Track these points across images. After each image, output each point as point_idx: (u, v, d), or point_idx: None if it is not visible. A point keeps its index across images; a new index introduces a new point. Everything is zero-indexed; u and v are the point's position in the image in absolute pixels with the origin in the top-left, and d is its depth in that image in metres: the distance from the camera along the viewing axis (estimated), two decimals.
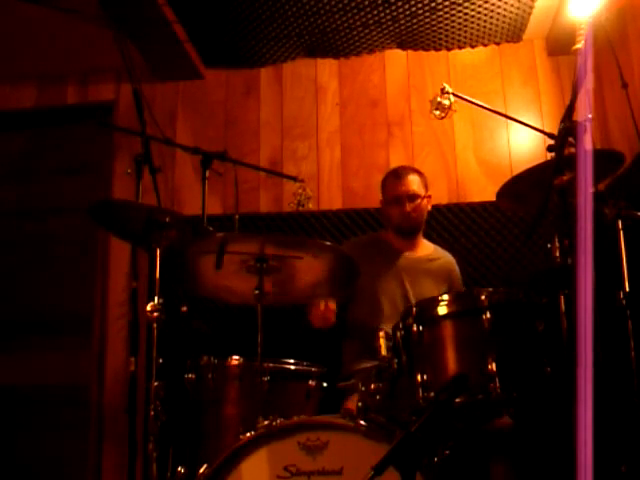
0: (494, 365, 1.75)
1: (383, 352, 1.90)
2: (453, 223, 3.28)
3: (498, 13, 3.23)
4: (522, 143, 3.40)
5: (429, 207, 2.78)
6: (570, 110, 1.81)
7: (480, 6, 3.16)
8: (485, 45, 3.54)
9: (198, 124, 3.62)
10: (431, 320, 1.86)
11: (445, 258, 2.84)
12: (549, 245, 1.98)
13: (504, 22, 3.32)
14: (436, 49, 3.55)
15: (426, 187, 2.75)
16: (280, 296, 2.24)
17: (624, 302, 1.94)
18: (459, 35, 3.42)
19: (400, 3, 3.13)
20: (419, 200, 2.70)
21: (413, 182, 2.72)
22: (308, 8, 3.15)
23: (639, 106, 2.65)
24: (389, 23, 3.30)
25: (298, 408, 2.06)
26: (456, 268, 2.84)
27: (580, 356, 1.20)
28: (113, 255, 3.46)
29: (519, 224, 3.23)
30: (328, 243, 2.11)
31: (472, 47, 3.54)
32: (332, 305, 2.49)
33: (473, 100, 2.46)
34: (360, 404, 1.86)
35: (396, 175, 2.76)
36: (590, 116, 1.82)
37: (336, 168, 3.48)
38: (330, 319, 2.49)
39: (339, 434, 1.75)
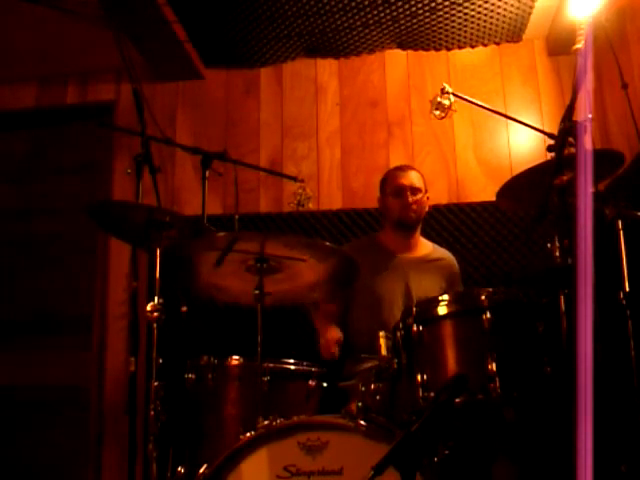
0: (494, 365, 1.75)
1: (383, 352, 1.90)
2: (453, 223, 3.28)
3: (498, 13, 3.23)
4: (522, 143, 3.40)
5: (427, 207, 2.79)
6: (570, 110, 1.81)
7: (480, 6, 3.16)
8: (485, 45, 3.54)
9: (198, 124, 3.62)
10: (431, 320, 1.86)
11: (444, 257, 2.83)
12: (549, 245, 1.98)
13: (504, 22, 3.32)
14: (436, 49, 3.55)
15: (425, 186, 2.76)
16: (279, 297, 2.24)
17: (624, 302, 1.94)
18: (459, 35, 3.42)
19: (400, 3, 3.13)
20: (420, 194, 2.71)
21: (415, 177, 2.75)
22: (308, 8, 3.15)
23: (639, 106, 2.65)
24: (389, 23, 3.30)
25: (298, 408, 2.06)
26: (456, 267, 2.83)
27: (580, 356, 1.20)
28: (113, 255, 3.46)
29: (519, 224, 3.23)
30: (329, 243, 2.10)
31: (472, 47, 3.54)
32: (337, 335, 2.48)
33: (473, 100, 2.46)
34: (360, 404, 1.86)
35: (399, 169, 2.81)
36: (590, 116, 1.82)
37: (336, 168, 3.49)
38: (334, 353, 2.44)
39: (339, 434, 1.75)
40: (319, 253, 2.03)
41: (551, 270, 1.99)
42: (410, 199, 2.68)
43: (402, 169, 2.79)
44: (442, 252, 2.86)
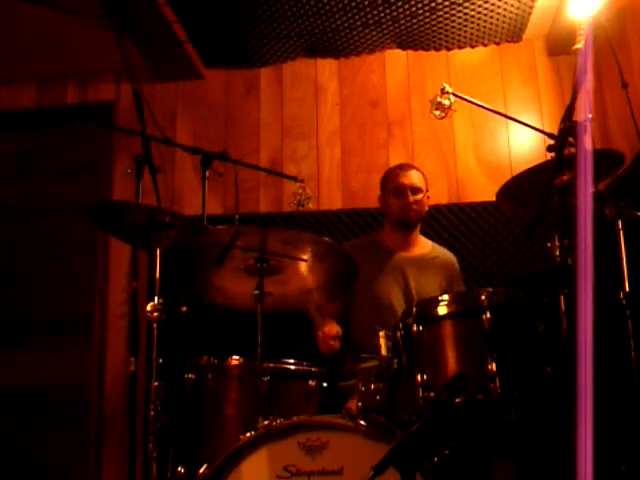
0: (494, 365, 1.75)
1: (383, 352, 1.90)
2: (453, 223, 3.28)
3: (498, 13, 3.23)
4: (522, 143, 3.40)
5: (427, 207, 2.79)
6: (570, 110, 1.81)
7: (480, 6, 3.16)
8: (485, 45, 3.54)
9: (198, 124, 3.62)
10: (431, 320, 1.86)
11: (444, 255, 2.83)
12: (549, 244, 1.98)
13: (504, 22, 3.32)
14: (436, 49, 3.55)
15: (426, 185, 2.76)
16: (279, 301, 2.23)
17: (624, 302, 1.94)
18: (459, 35, 3.42)
19: (400, 3, 3.13)
20: (421, 194, 2.71)
21: (416, 176, 2.74)
22: (308, 8, 3.15)
23: (639, 106, 2.65)
24: (389, 23, 3.30)
25: (298, 408, 2.06)
26: (456, 266, 2.83)
27: (580, 356, 1.20)
28: (113, 255, 3.46)
29: (519, 224, 3.23)
30: (328, 239, 2.10)
31: (472, 47, 3.54)
32: (334, 329, 2.45)
33: (473, 100, 2.45)
34: (360, 404, 1.86)
35: (400, 168, 2.80)
36: (590, 116, 1.82)
37: (336, 168, 3.48)
38: (334, 346, 2.42)
39: (339, 434, 1.75)
40: (319, 250, 2.03)
41: (551, 270, 1.99)
42: (411, 198, 2.68)
43: (403, 168, 2.78)
44: (442, 251, 2.85)
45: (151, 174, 2.42)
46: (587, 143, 1.75)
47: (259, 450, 1.78)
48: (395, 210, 2.72)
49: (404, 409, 1.84)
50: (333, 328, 2.46)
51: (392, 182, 2.75)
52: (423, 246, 2.82)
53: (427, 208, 2.80)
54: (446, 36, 3.42)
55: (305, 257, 2.05)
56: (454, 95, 2.39)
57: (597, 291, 1.34)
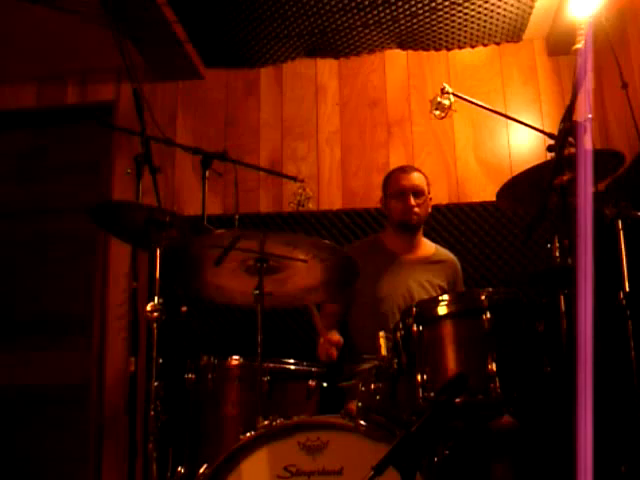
0: (494, 365, 1.75)
1: (383, 352, 1.90)
2: (453, 223, 3.28)
3: (498, 13, 3.23)
4: (522, 143, 3.40)
5: (429, 210, 2.77)
6: (570, 110, 1.81)
7: (480, 6, 3.16)
8: (485, 45, 3.54)
9: (198, 124, 3.62)
10: (431, 320, 1.86)
11: (447, 258, 2.81)
12: (549, 245, 1.98)
13: (504, 22, 3.32)
14: (436, 49, 3.55)
15: (428, 187, 2.75)
16: (279, 299, 2.23)
17: (624, 302, 1.94)
18: (459, 35, 3.42)
19: (400, 3, 3.13)
20: (423, 197, 2.69)
21: (418, 179, 2.71)
22: (308, 8, 3.15)
23: (639, 106, 2.65)
24: (389, 23, 3.30)
25: (298, 408, 2.06)
26: (459, 268, 2.82)
27: (580, 356, 1.20)
28: (113, 255, 3.46)
29: (519, 224, 3.23)
30: (328, 241, 2.10)
31: (472, 47, 3.54)
32: (336, 338, 2.46)
33: (473, 100, 2.46)
34: (360, 404, 1.86)
35: (402, 170, 2.76)
36: (590, 116, 1.82)
37: (336, 168, 3.48)
38: (333, 355, 2.42)
39: (339, 434, 1.75)
40: (320, 253, 2.03)
41: (551, 270, 1.99)
42: (413, 202, 2.65)
43: (405, 170, 2.75)
44: (445, 253, 2.84)
45: (151, 174, 2.43)
46: (587, 143, 1.75)
47: (259, 450, 1.78)
48: (397, 213, 2.69)
49: (404, 409, 1.84)
50: (335, 337, 2.46)
51: (394, 185, 2.72)
52: (426, 248, 2.80)
53: (430, 210, 2.78)
54: (446, 36, 3.42)
55: (305, 258, 2.05)
56: (454, 95, 2.39)
57: (597, 291, 1.34)
